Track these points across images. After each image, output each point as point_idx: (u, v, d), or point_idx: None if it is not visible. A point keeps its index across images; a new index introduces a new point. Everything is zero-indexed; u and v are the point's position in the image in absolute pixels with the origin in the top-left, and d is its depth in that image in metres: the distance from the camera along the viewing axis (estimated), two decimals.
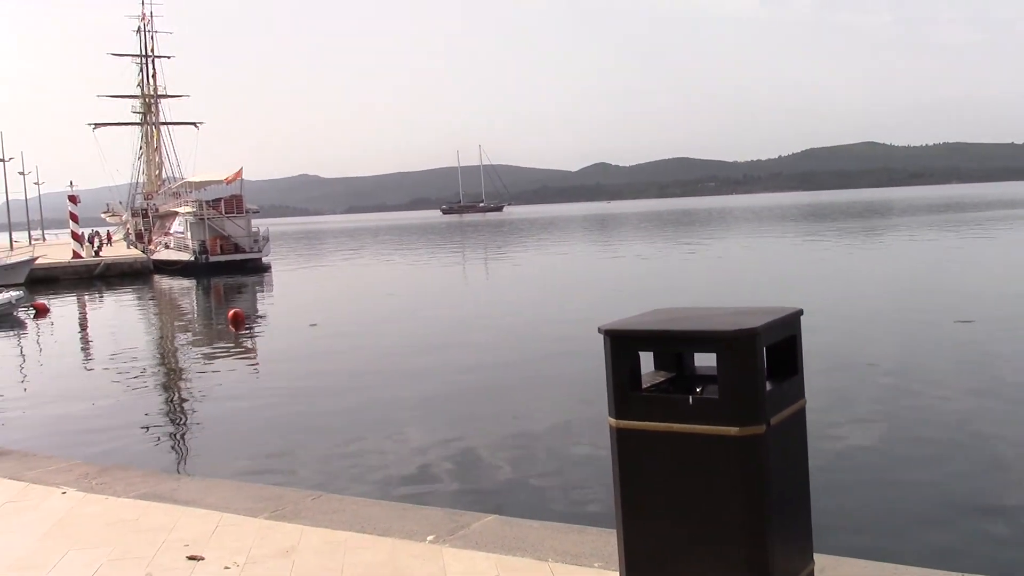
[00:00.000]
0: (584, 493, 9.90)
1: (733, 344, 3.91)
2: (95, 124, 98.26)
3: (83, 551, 5.71)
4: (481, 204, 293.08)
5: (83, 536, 5.99)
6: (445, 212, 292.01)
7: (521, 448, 12.10)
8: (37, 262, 53.69)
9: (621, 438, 4.23)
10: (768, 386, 4.03)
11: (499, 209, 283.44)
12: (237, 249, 58.16)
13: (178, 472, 11.48)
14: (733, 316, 4.21)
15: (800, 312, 4.42)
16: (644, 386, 4.34)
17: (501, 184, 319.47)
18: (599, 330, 4.24)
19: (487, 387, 16.57)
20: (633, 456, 4.21)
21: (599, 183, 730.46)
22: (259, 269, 56.06)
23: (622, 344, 4.19)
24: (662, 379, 4.53)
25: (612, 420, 4.25)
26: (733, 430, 3.92)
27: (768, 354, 4.09)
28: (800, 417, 4.36)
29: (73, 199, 64.49)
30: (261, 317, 32.21)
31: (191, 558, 5.48)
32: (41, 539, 5.97)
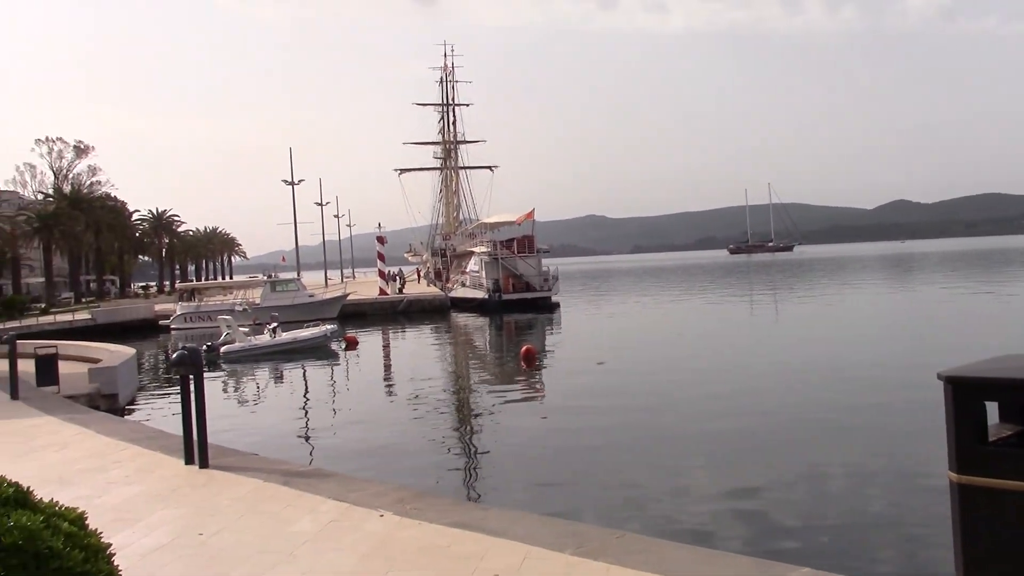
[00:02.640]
0: (903, 549, 9.23)
1: None
2: (400, 170, 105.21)
3: (400, 573, 5.98)
4: (770, 243, 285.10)
5: (400, 559, 6.28)
6: (732, 252, 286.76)
7: (825, 497, 11.51)
8: (348, 298, 58.08)
9: (964, 495, 3.87)
10: None
11: (789, 249, 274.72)
12: (528, 287, 59.97)
13: (470, 500, 11.85)
14: None
15: None
16: (990, 439, 3.97)
17: (791, 223, 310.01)
18: (939, 376, 3.92)
19: (785, 430, 15.95)
20: (978, 515, 3.84)
21: (897, 222, 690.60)
22: (549, 307, 57.46)
23: (967, 393, 3.84)
24: (1009, 432, 4.12)
25: (953, 475, 3.91)
26: None
27: None
28: None
29: (381, 240, 69.30)
30: (550, 354, 32.92)
31: None
32: (362, 558, 6.32)
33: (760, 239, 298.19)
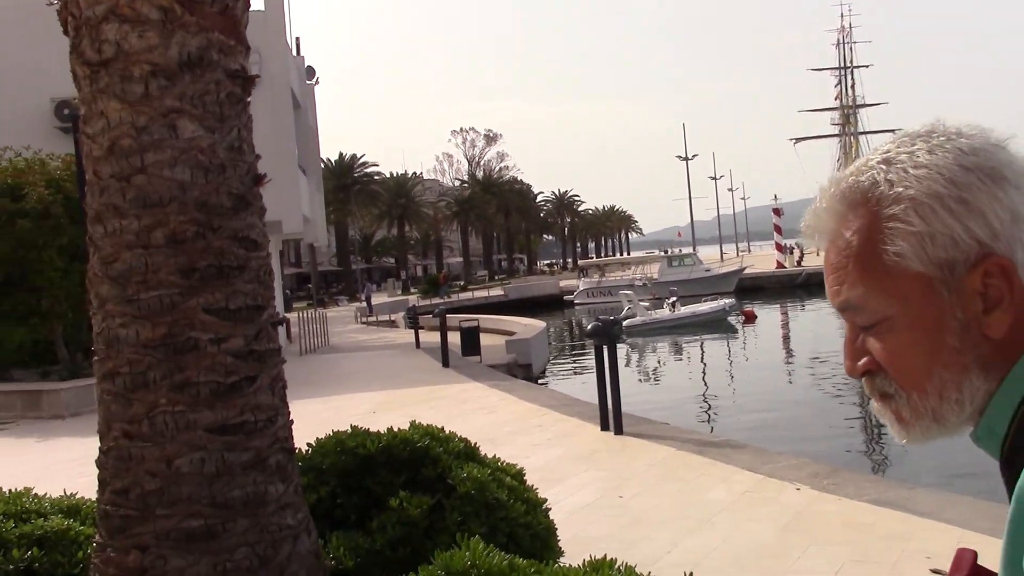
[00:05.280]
0: None
1: None
2: (795, 139, 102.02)
3: (822, 547, 5.87)
4: None
5: (821, 533, 6.17)
6: None
7: None
8: (745, 272, 57.51)
9: None
10: None
11: None
12: None
13: (882, 475, 11.29)
14: None
15: None
16: None
17: None
18: None
19: None
20: None
21: None
22: None
23: None
24: None
25: None
26: None
27: None
28: None
29: (777, 212, 67.78)
30: None
31: (934, 572, 5.30)
32: (781, 531, 6.28)
33: None
